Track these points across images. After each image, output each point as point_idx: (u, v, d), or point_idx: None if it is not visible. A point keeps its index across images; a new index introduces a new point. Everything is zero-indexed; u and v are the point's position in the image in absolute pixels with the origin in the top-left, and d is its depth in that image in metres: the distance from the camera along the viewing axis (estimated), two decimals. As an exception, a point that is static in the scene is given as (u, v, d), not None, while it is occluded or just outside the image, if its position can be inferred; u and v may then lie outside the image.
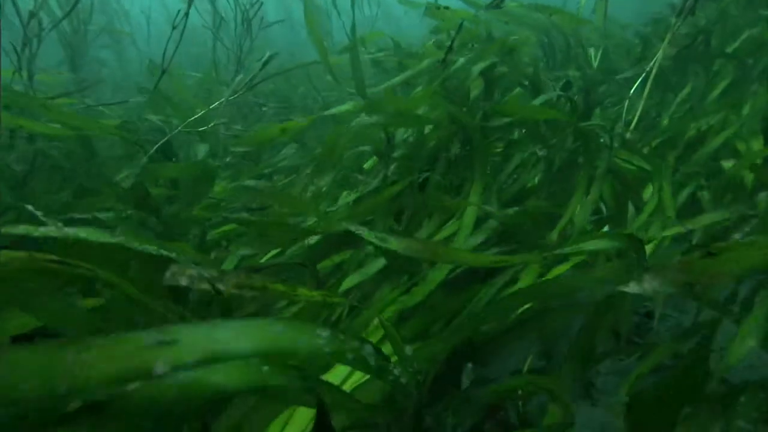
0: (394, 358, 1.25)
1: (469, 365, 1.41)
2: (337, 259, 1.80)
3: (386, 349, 1.31)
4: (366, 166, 2.47)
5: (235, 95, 2.75)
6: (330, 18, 7.96)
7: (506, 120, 2.52)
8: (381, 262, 1.72)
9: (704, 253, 0.94)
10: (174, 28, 2.41)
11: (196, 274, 1.18)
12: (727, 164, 2.52)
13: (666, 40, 2.23)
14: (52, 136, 3.12)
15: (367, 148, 2.63)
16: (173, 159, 2.95)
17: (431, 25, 4.14)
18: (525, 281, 1.58)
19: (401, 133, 2.72)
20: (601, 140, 2.40)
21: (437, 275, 1.61)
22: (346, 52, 4.62)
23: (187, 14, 2.43)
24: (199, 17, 5.37)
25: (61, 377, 0.67)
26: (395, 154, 2.36)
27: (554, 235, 1.90)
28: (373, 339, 1.43)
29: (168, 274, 1.19)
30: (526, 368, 1.74)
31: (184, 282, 1.17)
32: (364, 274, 1.67)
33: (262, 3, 5.02)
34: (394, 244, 1.49)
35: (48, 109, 2.80)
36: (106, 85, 5.74)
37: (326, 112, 2.53)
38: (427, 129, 2.46)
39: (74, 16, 4.55)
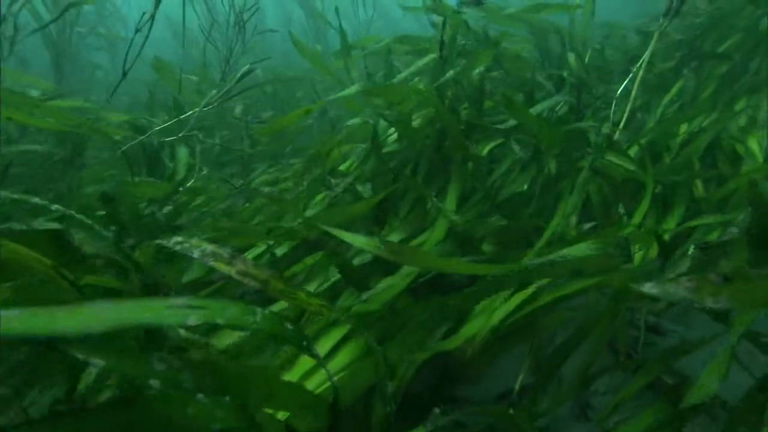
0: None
1: (437, 410, 1.30)
2: (309, 261, 1.71)
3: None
4: (343, 167, 2.38)
5: (209, 107, 2.66)
6: (327, 20, 7.89)
7: (499, 123, 2.45)
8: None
9: (720, 277, 0.86)
10: (138, 31, 2.32)
11: (209, 249, 1.21)
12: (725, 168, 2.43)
13: (654, 39, 2.13)
14: (39, 141, 3.07)
15: (362, 145, 2.56)
16: (159, 162, 2.88)
17: (430, 26, 4.07)
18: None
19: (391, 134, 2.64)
20: (591, 141, 2.30)
21: (399, 283, 1.50)
22: (339, 56, 4.57)
23: (152, 17, 2.34)
24: (197, 19, 5.29)
25: (99, 319, 0.77)
26: (383, 151, 2.30)
27: (540, 244, 1.79)
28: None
29: (181, 245, 1.24)
30: (518, 386, 1.64)
31: (195, 254, 1.20)
32: (325, 281, 1.59)
33: (258, 7, 4.94)
34: (370, 246, 1.41)
35: (38, 107, 2.74)
36: (101, 88, 5.65)
37: (332, 96, 2.48)
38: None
39: (61, 19, 4.46)
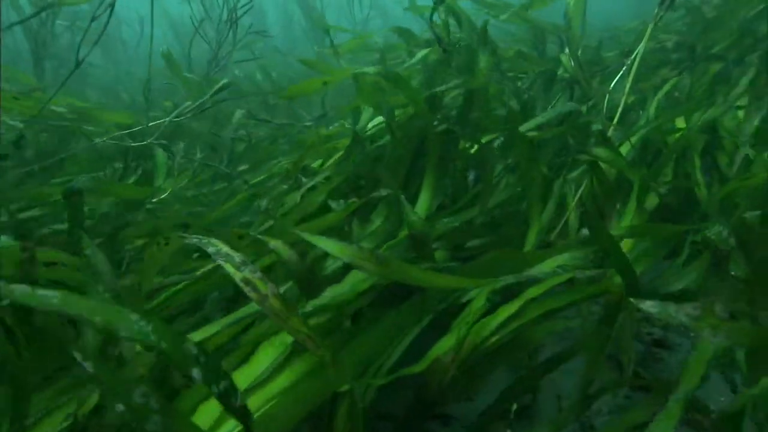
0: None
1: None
2: (267, 260, 1.56)
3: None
4: (315, 165, 2.24)
5: (180, 118, 2.52)
6: (324, 22, 7.72)
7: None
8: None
9: (726, 312, 0.79)
10: (94, 19, 2.16)
11: (224, 250, 1.21)
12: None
13: (648, 31, 1.97)
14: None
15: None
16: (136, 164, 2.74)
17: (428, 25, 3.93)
18: (476, 304, 1.31)
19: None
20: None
21: (348, 292, 1.34)
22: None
23: (112, 7, 2.18)
24: (195, 18, 5.14)
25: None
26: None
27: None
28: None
29: (200, 240, 1.25)
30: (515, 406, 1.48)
31: (210, 251, 1.21)
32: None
33: (252, 5, 4.78)
34: (351, 255, 1.27)
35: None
36: (92, 87, 5.48)
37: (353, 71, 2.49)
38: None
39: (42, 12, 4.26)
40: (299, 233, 1.37)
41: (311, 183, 2.11)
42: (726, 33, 3.26)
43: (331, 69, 4.48)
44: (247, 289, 1.13)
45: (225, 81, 2.52)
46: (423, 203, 1.80)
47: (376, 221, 1.71)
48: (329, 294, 1.32)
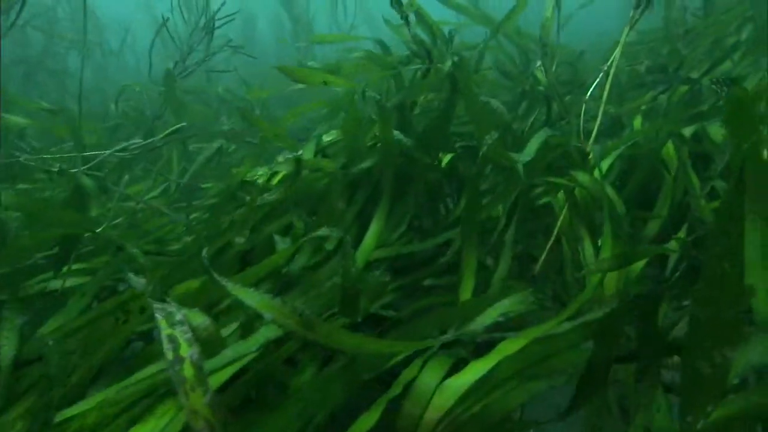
0: None
1: None
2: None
3: None
4: (260, 181, 2.00)
5: (128, 153, 2.34)
6: (312, 26, 7.50)
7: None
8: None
9: None
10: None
11: (169, 309, 1.10)
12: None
13: (624, 34, 1.72)
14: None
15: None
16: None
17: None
18: (407, 375, 1.06)
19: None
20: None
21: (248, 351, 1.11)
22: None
23: (22, 7, 1.93)
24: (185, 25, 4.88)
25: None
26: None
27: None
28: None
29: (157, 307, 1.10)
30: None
31: (155, 305, 1.10)
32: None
33: (233, 18, 4.56)
34: (276, 313, 1.04)
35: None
36: (71, 95, 5.21)
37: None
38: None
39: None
40: (225, 285, 1.14)
41: (262, 201, 1.89)
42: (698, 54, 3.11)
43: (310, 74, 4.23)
44: (167, 347, 0.97)
45: (183, 124, 2.39)
46: (370, 239, 1.55)
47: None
48: (230, 353, 1.08)
